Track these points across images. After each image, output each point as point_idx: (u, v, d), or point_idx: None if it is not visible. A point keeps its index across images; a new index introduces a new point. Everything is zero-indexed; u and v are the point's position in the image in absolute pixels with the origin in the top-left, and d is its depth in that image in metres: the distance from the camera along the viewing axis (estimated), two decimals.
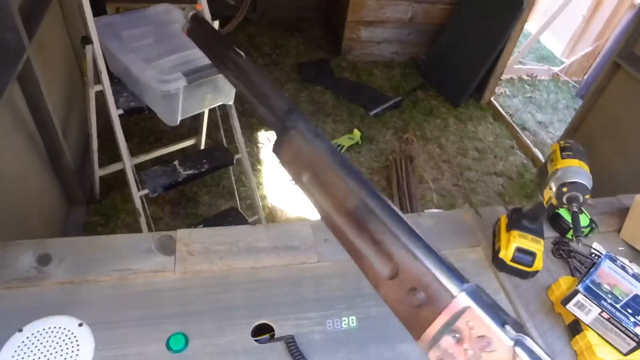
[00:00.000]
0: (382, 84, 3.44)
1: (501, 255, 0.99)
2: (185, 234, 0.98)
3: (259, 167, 2.59)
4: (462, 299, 0.33)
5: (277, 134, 0.46)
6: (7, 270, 0.87)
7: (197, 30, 0.59)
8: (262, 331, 0.85)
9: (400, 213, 0.37)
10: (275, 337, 0.82)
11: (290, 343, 0.79)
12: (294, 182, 0.44)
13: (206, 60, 1.53)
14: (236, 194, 2.25)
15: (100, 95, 1.69)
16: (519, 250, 0.97)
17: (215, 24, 1.68)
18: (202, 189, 2.38)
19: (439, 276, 0.33)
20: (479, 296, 0.33)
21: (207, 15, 1.66)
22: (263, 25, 3.83)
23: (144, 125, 2.61)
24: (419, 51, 3.68)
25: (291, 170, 0.45)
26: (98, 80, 1.60)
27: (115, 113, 1.57)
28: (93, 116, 1.88)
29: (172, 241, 0.96)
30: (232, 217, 1.95)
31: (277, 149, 0.46)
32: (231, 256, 0.94)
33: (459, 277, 0.34)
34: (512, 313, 0.92)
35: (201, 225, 1.89)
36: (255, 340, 0.82)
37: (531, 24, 4.22)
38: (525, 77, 3.88)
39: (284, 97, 0.48)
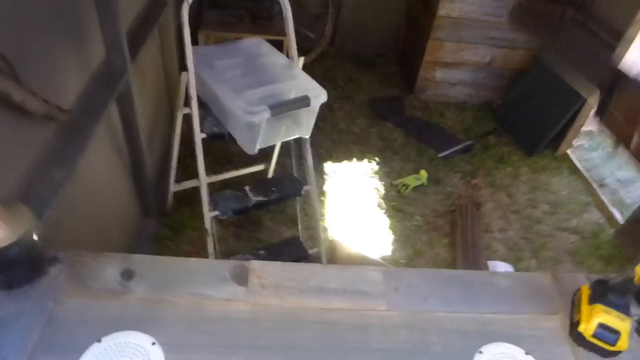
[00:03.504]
0: (453, 126, 3.39)
1: (580, 329, 0.92)
2: (258, 265, 1.00)
3: (322, 198, 2.61)
4: None
5: None
6: (94, 280, 0.92)
7: None
8: None
9: None
10: None
11: None
12: None
13: (290, 95, 1.59)
14: (299, 223, 2.28)
15: (185, 118, 1.79)
16: (602, 326, 0.90)
17: (301, 61, 1.74)
18: (266, 214, 2.43)
19: None
20: None
21: (295, 50, 1.73)
22: (339, 59, 3.92)
23: (217, 146, 2.73)
24: (494, 95, 3.61)
25: None
26: (186, 103, 1.70)
27: (199, 136, 1.65)
28: (177, 136, 2.00)
29: (245, 271, 0.98)
30: (293, 246, 1.98)
31: None
32: (301, 294, 0.95)
33: None
34: None
35: (262, 251, 1.93)
36: None
37: None
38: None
39: None
